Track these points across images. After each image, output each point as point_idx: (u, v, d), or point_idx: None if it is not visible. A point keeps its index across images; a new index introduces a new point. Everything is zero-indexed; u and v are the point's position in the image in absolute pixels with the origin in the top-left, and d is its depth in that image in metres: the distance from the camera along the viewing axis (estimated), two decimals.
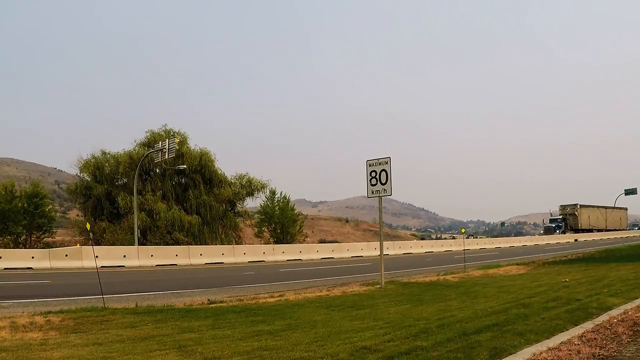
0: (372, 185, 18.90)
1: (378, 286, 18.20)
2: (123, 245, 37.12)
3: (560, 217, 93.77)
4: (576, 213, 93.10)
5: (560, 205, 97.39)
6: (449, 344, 8.40)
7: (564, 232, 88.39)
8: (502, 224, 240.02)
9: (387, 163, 18.57)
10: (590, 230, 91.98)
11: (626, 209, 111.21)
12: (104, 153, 53.95)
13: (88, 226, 17.04)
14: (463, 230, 35.89)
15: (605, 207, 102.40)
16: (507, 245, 59.14)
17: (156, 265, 30.33)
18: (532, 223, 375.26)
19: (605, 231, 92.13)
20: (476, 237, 68.27)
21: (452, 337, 8.84)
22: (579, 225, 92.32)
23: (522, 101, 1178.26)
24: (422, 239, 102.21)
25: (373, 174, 18.81)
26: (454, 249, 50.91)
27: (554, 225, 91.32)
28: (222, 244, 46.44)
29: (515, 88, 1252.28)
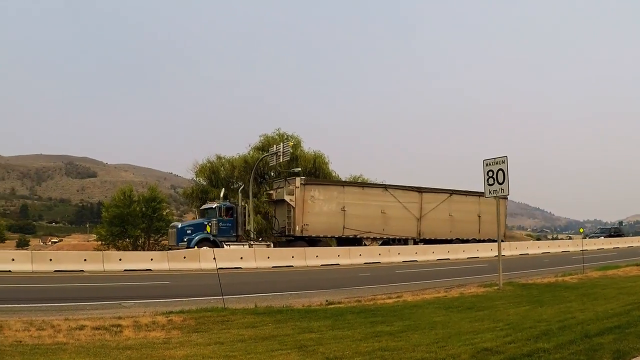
0: (489, 185, 19.14)
1: (496, 287, 18.38)
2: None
3: None
4: None
5: None
6: (571, 346, 8.63)
7: None
8: (620, 222, 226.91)
9: (503, 162, 18.73)
10: None
11: None
12: (219, 158, 57.34)
13: (209, 229, 18.17)
14: (582, 230, 35.38)
15: None
16: (626, 245, 56.45)
17: (272, 267, 31.68)
18: None
19: None
20: (598, 237, 65.15)
21: (573, 339, 9.05)
22: None
23: None
24: (538, 239, 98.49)
25: (490, 174, 19.04)
26: (571, 249, 49.39)
27: None
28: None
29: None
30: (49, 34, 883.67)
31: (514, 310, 13.33)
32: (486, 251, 42.06)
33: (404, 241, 43.96)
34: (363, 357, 8.42)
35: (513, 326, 10.73)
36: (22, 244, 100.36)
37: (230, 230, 36.83)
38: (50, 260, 27.66)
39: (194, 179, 58.50)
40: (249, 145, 57.97)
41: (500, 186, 18.76)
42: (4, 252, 28.98)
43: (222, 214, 36.78)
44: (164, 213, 52.82)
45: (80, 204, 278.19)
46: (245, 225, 38.11)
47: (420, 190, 46.72)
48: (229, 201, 39.55)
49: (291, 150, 47.31)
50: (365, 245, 41.19)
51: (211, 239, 35.16)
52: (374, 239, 42.38)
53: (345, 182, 48.08)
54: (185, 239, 34.91)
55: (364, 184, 47.17)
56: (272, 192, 44.93)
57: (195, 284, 23.85)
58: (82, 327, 11.12)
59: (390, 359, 8.26)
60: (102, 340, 10.05)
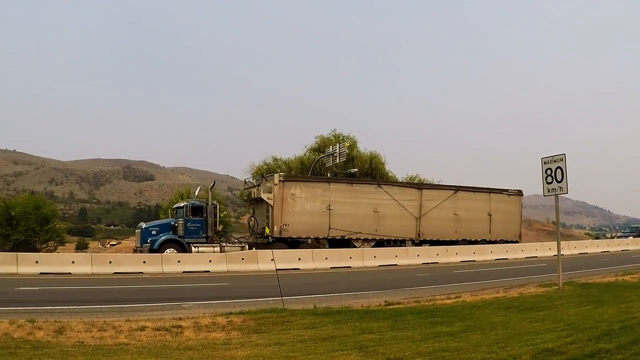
0: (547, 183, 18.96)
1: (555, 287, 18.16)
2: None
3: None
4: None
5: None
6: (633, 346, 8.50)
7: None
8: None
9: (562, 160, 18.55)
10: None
11: None
12: (275, 159, 57.82)
13: (267, 231, 18.21)
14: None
15: None
16: None
17: (330, 268, 31.73)
18: None
19: None
20: (627, 236, 62.86)
21: (636, 340, 8.91)
22: None
23: None
24: (597, 238, 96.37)
25: (548, 172, 18.87)
26: (630, 248, 48.33)
27: None
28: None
29: None
30: (108, 39, 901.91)
31: (574, 310, 13.23)
32: (544, 250, 41.67)
33: (400, 242, 40.85)
34: (424, 357, 8.47)
35: (574, 326, 10.67)
36: (81, 247, 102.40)
37: (199, 230, 34.95)
38: (110, 262, 28.22)
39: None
40: (305, 147, 58.51)
41: (559, 184, 18.63)
42: (65, 254, 29.68)
43: (189, 214, 34.87)
44: (222, 215, 53.28)
45: (138, 207, 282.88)
46: (216, 225, 36.28)
47: (419, 186, 44.46)
48: (199, 200, 37.82)
49: (347, 151, 47.59)
50: (354, 247, 38.66)
51: (177, 240, 33.92)
52: (365, 240, 39.61)
53: (331, 178, 44.17)
54: (149, 240, 33.48)
55: (353, 180, 43.57)
56: (251, 190, 42.55)
57: (254, 285, 24.05)
58: (143, 328, 11.33)
59: None
60: (163, 341, 10.23)
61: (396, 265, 34.16)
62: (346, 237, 38.83)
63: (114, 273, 27.12)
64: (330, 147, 50.09)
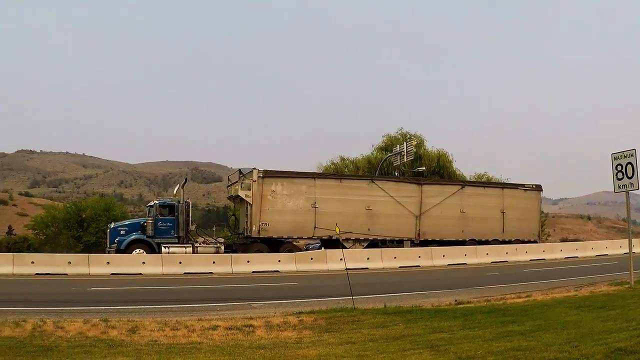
0: (618, 179, 18.60)
1: (627, 286, 17.74)
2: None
3: None
4: None
5: None
6: None
7: None
8: None
9: (632, 155, 18.19)
10: None
11: None
12: (342, 159, 58.04)
13: (338, 230, 18.14)
14: None
15: None
16: None
17: (399, 267, 31.68)
18: None
19: None
20: None
21: None
22: None
23: None
24: None
25: (619, 168, 18.46)
26: None
27: None
28: None
29: None
30: (171, 43, 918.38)
31: None
32: (615, 248, 40.75)
33: (397, 243, 37.96)
34: (495, 356, 8.44)
35: None
36: None
37: (170, 230, 33.37)
38: (180, 263, 28.73)
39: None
40: (372, 146, 58.69)
41: (630, 180, 18.29)
42: (135, 255, 30.15)
43: (159, 213, 33.60)
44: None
45: (207, 208, 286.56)
46: (188, 225, 34.74)
47: (419, 182, 41.00)
48: (171, 198, 36.80)
49: (414, 150, 47.31)
50: (345, 247, 35.22)
51: (145, 241, 32.65)
52: (357, 241, 36.87)
53: (317, 173, 41.35)
54: (116, 240, 32.49)
55: (342, 176, 40.91)
56: (233, 187, 39.68)
57: (323, 284, 24.22)
58: (215, 327, 11.50)
59: (523, 359, 8.24)
60: (235, 340, 10.37)
61: (465, 264, 34.02)
62: (334, 237, 34.73)
63: (184, 273, 27.63)
64: (398, 146, 50.06)
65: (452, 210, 39.81)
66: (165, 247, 31.73)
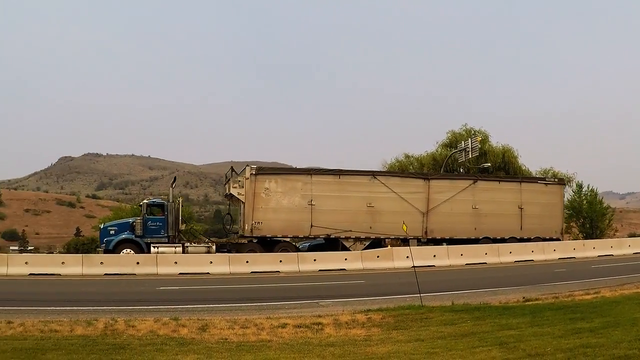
0: None
1: None
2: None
3: None
4: None
5: None
6: None
7: None
8: None
9: None
10: None
11: None
12: (407, 156, 58.05)
13: (405, 228, 18.01)
14: None
15: None
16: None
17: (465, 264, 31.45)
18: None
19: None
20: None
21: None
22: None
23: None
24: None
25: None
26: None
27: None
28: None
29: None
30: (236, 44, 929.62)
31: None
32: None
33: (402, 241, 35.31)
34: (565, 353, 8.43)
35: None
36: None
37: (160, 230, 32.72)
38: (247, 262, 29.13)
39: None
40: (437, 143, 58.45)
41: None
42: (203, 255, 30.59)
43: (149, 212, 33.14)
44: None
45: None
46: (178, 224, 33.95)
47: (426, 176, 38.90)
48: (161, 197, 36.17)
49: (479, 146, 46.81)
50: (345, 247, 34.71)
51: (134, 240, 32.10)
52: (358, 240, 35.26)
53: (313, 169, 38.26)
54: (105, 240, 32.12)
55: (341, 171, 37.44)
56: (227, 185, 37.86)
57: (390, 282, 24.25)
58: (284, 325, 11.69)
59: (592, 356, 8.21)
60: (305, 338, 10.53)
61: (532, 260, 33.59)
62: (332, 236, 34.90)
63: (251, 272, 27.95)
64: (462, 142, 49.75)
65: (463, 207, 37.87)
66: (154, 247, 31.47)
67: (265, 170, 35.77)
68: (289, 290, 21.36)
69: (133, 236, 32.14)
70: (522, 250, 35.05)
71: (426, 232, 36.70)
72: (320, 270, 28.90)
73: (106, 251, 31.25)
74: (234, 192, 34.33)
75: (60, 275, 25.86)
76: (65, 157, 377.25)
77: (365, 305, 14.81)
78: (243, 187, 34.02)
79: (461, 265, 31.34)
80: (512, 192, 39.38)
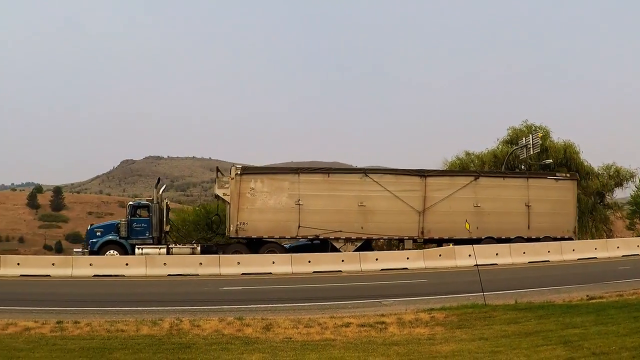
0: None
1: None
2: None
3: None
4: None
5: None
6: None
7: None
8: None
9: None
10: None
11: None
12: (467, 154, 57.43)
13: (467, 226, 18.06)
14: None
15: None
16: None
17: (528, 262, 31.17)
18: None
19: None
20: None
21: None
22: None
23: None
24: None
25: None
26: None
27: None
28: (592, 238, 44.76)
29: None
30: (293, 44, 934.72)
31: None
32: None
33: (397, 242, 35.78)
34: (630, 352, 8.42)
35: None
36: None
37: (145, 231, 32.45)
38: (309, 262, 29.43)
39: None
40: (497, 140, 57.61)
41: None
42: (264, 255, 30.86)
43: (133, 214, 32.84)
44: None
45: None
46: (163, 225, 33.64)
47: (422, 174, 36.23)
48: (147, 198, 35.76)
49: (540, 142, 46.20)
50: (335, 248, 33.48)
51: (118, 242, 31.82)
52: (349, 240, 33.84)
53: (301, 168, 37.29)
54: (90, 242, 32.03)
55: (330, 170, 36.96)
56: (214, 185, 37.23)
57: (452, 281, 24.21)
58: (347, 325, 11.86)
59: None
60: (368, 337, 10.68)
61: (595, 258, 32.97)
62: (322, 237, 33.88)
63: (313, 272, 28.17)
64: (523, 138, 49.14)
65: (463, 205, 35.65)
66: (139, 249, 31.45)
67: (250, 170, 35.37)
68: (351, 289, 21.56)
69: (117, 238, 32.15)
70: (585, 247, 34.29)
71: (422, 232, 35.21)
72: (382, 269, 28.92)
73: (91, 252, 31.38)
74: (219, 192, 34.18)
75: (124, 276, 26.63)
76: (127, 160, 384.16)
77: (429, 304, 14.85)
78: (228, 187, 33.67)
79: (524, 264, 31.04)
80: (518, 189, 37.43)
